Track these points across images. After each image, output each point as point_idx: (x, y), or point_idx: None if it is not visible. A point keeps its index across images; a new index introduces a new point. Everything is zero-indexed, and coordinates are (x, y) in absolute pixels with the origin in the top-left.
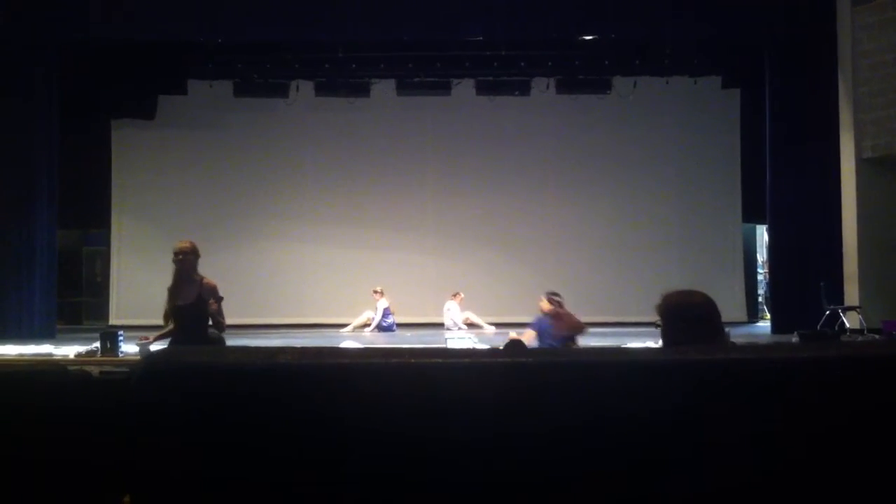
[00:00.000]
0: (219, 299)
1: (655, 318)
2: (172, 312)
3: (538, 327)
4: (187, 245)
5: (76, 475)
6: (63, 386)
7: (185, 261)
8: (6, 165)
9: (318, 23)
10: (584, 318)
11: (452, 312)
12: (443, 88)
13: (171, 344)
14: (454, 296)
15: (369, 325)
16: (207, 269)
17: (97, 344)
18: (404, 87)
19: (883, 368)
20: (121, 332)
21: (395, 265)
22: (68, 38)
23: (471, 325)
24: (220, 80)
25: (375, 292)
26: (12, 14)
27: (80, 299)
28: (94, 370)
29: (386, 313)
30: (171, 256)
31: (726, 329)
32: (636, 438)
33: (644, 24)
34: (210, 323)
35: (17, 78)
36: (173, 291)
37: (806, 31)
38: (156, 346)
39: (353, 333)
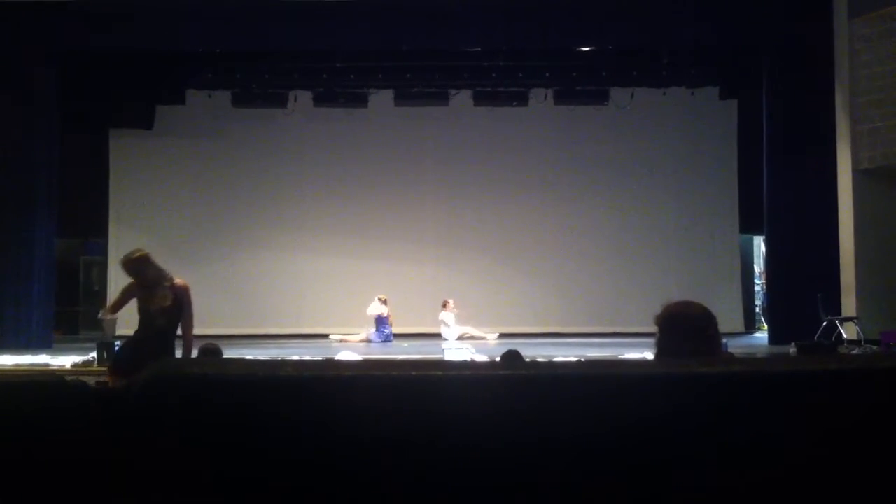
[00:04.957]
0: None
1: (654, 328)
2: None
3: None
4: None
5: (72, 488)
6: (60, 397)
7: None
8: (6, 175)
9: (316, 33)
10: (582, 328)
11: (448, 325)
12: (441, 99)
13: (135, 344)
14: (444, 305)
15: (368, 341)
16: (206, 279)
17: (94, 354)
18: (402, 98)
19: (885, 382)
20: (118, 343)
21: (393, 275)
22: (68, 48)
23: (470, 339)
24: (219, 91)
25: (380, 300)
26: (12, 25)
27: (77, 309)
28: (91, 380)
29: (384, 324)
30: (167, 266)
31: (723, 340)
32: (635, 452)
33: (641, 35)
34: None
35: (17, 88)
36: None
37: (803, 42)
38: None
39: (350, 344)
